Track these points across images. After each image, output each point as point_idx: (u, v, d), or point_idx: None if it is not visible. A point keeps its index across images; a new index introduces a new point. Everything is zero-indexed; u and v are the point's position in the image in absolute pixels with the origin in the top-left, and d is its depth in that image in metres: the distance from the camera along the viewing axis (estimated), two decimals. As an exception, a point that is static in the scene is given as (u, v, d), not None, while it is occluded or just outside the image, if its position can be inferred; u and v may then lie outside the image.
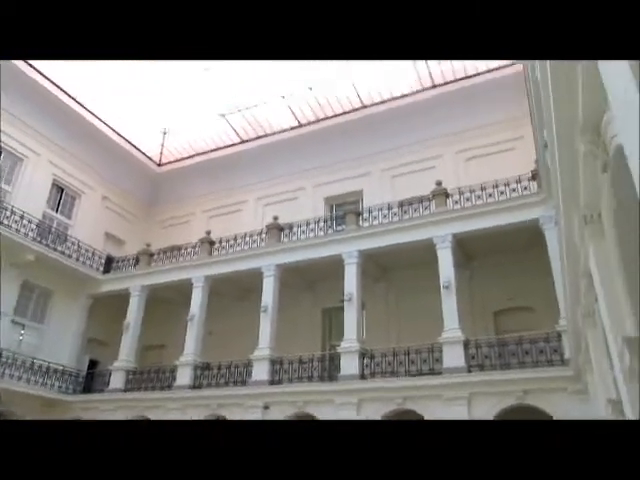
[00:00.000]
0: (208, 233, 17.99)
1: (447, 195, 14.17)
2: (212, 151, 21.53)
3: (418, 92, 17.85)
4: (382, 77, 17.62)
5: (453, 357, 12.38)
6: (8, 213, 16.73)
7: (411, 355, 13.13)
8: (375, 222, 14.99)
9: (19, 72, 17.56)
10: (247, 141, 20.84)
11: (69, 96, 19.09)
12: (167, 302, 18.64)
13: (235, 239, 17.35)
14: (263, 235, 16.88)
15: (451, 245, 13.45)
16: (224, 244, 17.56)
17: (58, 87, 18.69)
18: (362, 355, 13.75)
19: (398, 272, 15.81)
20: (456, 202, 13.95)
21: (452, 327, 12.65)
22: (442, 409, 11.81)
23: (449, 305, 12.90)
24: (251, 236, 17.15)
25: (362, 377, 13.46)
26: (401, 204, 14.95)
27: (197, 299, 16.91)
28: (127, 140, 21.25)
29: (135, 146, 21.58)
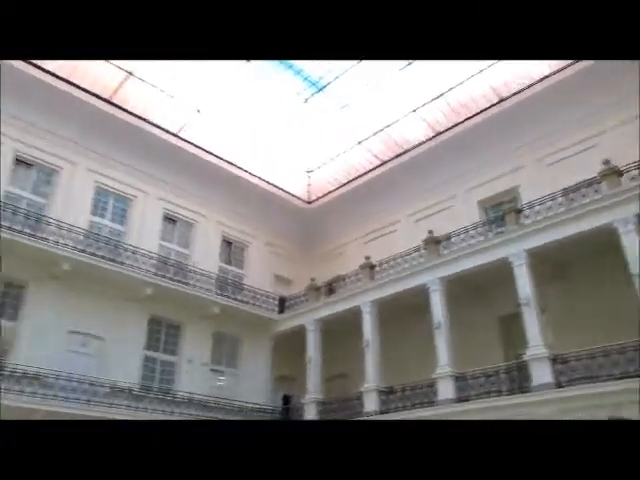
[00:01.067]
0: (367, 258, 18.27)
1: (620, 173, 12.62)
2: (355, 179, 22.00)
3: (560, 70, 16.36)
4: (515, 64, 16.55)
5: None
6: (192, 274, 18.83)
7: (612, 356, 11.76)
8: (539, 217, 13.92)
9: (176, 147, 19.92)
10: (387, 161, 20.94)
11: (223, 160, 21.09)
12: (341, 332, 19.11)
13: (394, 259, 17.39)
14: (422, 251, 16.67)
15: (637, 227, 11.88)
16: (384, 266, 17.68)
17: (212, 154, 20.77)
18: (553, 361, 12.69)
19: (575, 267, 14.35)
20: (632, 179, 12.36)
21: (657, 319, 11.10)
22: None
23: (648, 295, 11.34)
24: (409, 254, 17.04)
25: (558, 385, 12.38)
26: (565, 192, 13.70)
27: (368, 325, 17.18)
28: (277, 186, 22.70)
29: (285, 190, 22.96)
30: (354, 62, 17.14)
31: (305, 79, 18.58)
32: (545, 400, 12.33)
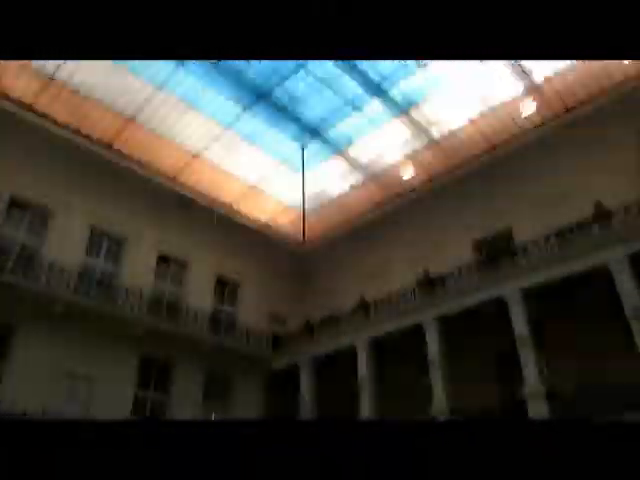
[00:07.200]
0: (362, 297, 18.55)
1: (610, 215, 13.30)
2: (352, 220, 22.55)
3: (553, 119, 17.39)
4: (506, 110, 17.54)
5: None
6: (185, 313, 18.77)
7: (606, 392, 12.04)
8: (533, 257, 14.43)
9: (170, 189, 20.16)
10: (383, 204, 21.52)
11: (216, 201, 21.40)
12: (336, 370, 19.06)
13: (389, 299, 17.69)
14: (416, 290, 17.03)
15: (629, 267, 12.46)
16: (379, 305, 17.95)
17: (206, 195, 21.08)
18: (549, 397, 12.96)
19: (570, 303, 14.83)
20: (621, 221, 13.01)
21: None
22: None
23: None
24: (404, 294, 17.38)
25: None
26: (558, 233, 14.32)
27: (363, 362, 17.30)
28: (271, 227, 23.08)
29: (279, 231, 23.32)
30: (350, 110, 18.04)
31: (303, 128, 19.10)
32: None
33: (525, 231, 16.43)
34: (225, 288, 21.81)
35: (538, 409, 12.91)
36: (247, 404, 19.57)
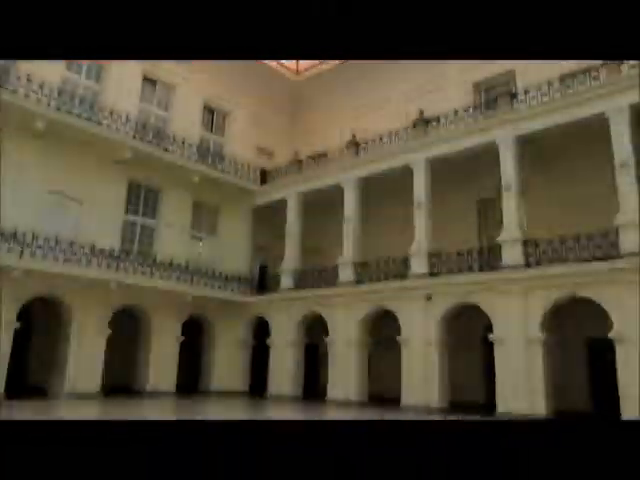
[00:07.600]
0: (353, 135, 18.05)
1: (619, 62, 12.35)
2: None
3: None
4: None
5: (634, 240, 11.44)
6: (172, 139, 18.25)
7: (582, 241, 12.44)
8: (533, 102, 13.77)
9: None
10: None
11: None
12: (322, 206, 19.31)
13: (381, 138, 17.23)
14: (409, 130, 16.51)
15: (628, 119, 11.93)
16: (370, 144, 17.53)
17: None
18: (525, 243, 13.33)
19: (560, 154, 14.53)
20: (632, 67, 12.13)
21: (630, 208, 11.62)
22: (625, 293, 11.25)
23: (627, 184, 11.74)
24: (397, 133, 16.88)
25: (527, 265, 13.14)
26: (562, 78, 13.47)
27: (349, 201, 17.44)
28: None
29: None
30: None
31: None
32: (511, 278, 13.15)
33: (529, 74, 15.39)
34: (213, 116, 21.11)
35: (513, 253, 13.34)
36: (234, 234, 20.16)
